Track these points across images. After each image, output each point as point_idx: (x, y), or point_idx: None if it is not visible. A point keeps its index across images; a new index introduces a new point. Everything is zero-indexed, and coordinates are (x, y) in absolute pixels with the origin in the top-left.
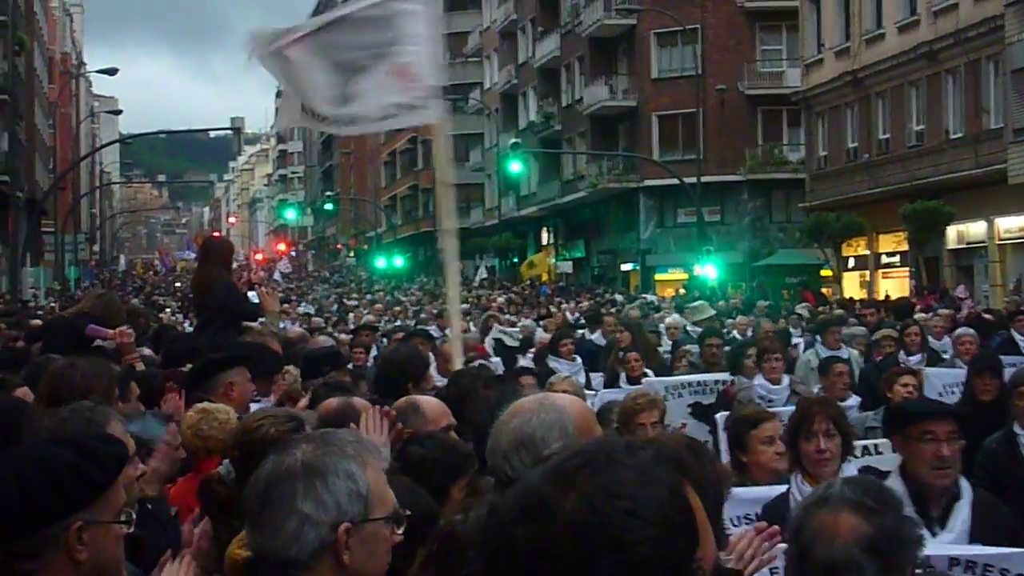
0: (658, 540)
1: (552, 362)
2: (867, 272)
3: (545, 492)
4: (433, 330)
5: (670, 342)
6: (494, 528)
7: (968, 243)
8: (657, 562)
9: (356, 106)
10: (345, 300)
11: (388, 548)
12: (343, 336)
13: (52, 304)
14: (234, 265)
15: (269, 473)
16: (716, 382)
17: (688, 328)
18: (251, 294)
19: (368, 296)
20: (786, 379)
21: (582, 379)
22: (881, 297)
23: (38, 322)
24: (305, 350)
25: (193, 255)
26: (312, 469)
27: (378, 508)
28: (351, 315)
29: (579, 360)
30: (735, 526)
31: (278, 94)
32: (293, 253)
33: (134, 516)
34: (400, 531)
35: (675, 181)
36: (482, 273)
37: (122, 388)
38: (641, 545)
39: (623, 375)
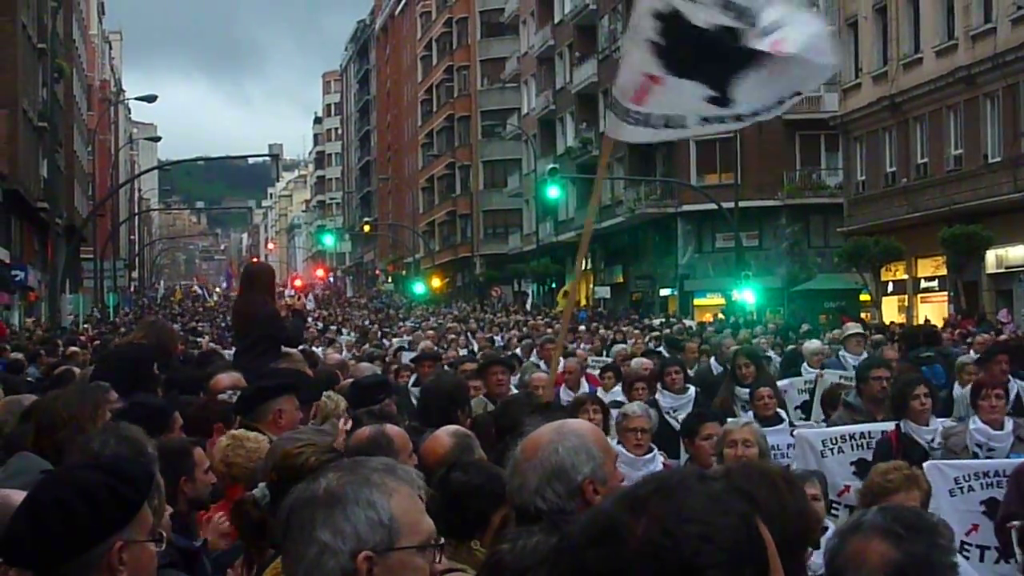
0: (728, 566)
1: (659, 394)
2: (906, 297)
3: (617, 516)
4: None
5: (812, 371)
6: (565, 552)
7: (1007, 267)
8: None
9: (723, 109)
10: (384, 328)
11: None
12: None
13: (85, 326)
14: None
15: (293, 500)
16: (884, 432)
17: (843, 355)
18: None
19: (408, 322)
20: (1009, 423)
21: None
22: (920, 321)
23: (76, 349)
24: (356, 378)
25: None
26: (333, 497)
27: (406, 537)
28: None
29: (692, 391)
30: None
31: (316, 120)
32: (331, 279)
33: (164, 535)
34: (440, 560)
35: (713, 206)
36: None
37: (166, 417)
38: (712, 570)
39: (750, 414)
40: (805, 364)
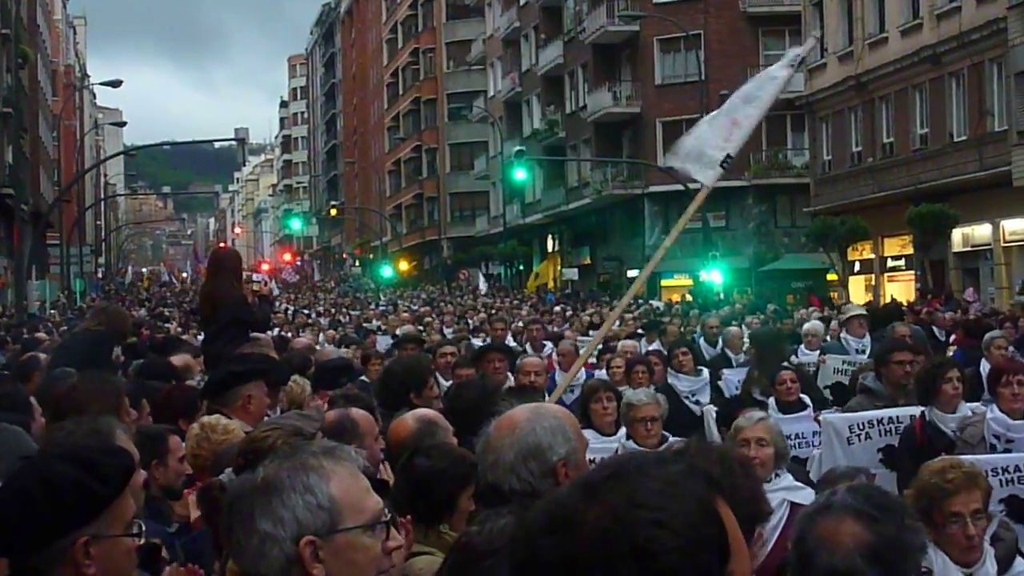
0: (684, 551)
1: (672, 378)
2: (873, 276)
3: (571, 503)
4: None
5: (809, 353)
6: (520, 540)
7: (973, 246)
8: (682, 572)
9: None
10: (349, 311)
11: (374, 556)
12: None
13: (52, 311)
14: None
15: (234, 492)
16: (913, 417)
17: (845, 338)
18: None
19: (378, 306)
20: None
21: (707, 397)
22: (887, 300)
23: (43, 335)
24: (319, 361)
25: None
26: (270, 485)
27: (350, 518)
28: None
29: (705, 374)
30: None
31: (282, 104)
32: (298, 263)
33: (144, 528)
34: (390, 536)
35: (680, 187)
36: (481, 284)
37: (135, 404)
38: (666, 555)
39: (772, 400)
40: (802, 346)
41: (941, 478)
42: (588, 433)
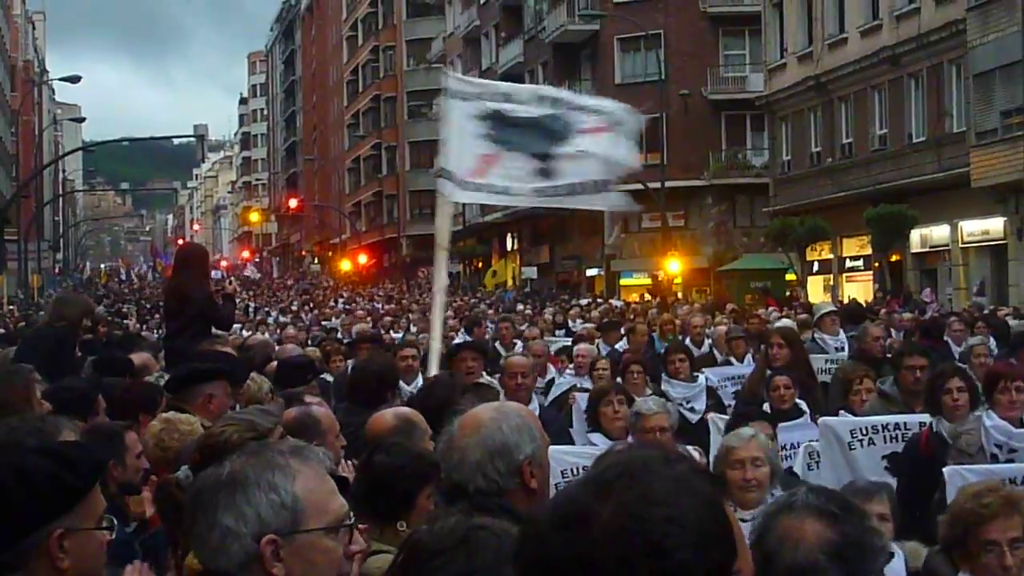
0: (696, 547)
1: (665, 384)
2: (831, 276)
3: (583, 500)
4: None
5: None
6: (531, 537)
7: (932, 246)
8: (695, 569)
9: (549, 180)
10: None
11: (334, 559)
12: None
13: (10, 308)
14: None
15: (198, 485)
16: (922, 424)
17: (821, 337)
18: None
19: (339, 304)
20: None
21: (703, 403)
22: (845, 301)
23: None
24: (280, 358)
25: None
26: (235, 481)
27: (313, 518)
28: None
29: (702, 379)
30: None
31: (242, 101)
32: (257, 259)
33: (115, 522)
34: (353, 540)
35: (639, 186)
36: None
37: (90, 401)
38: (680, 551)
39: (767, 405)
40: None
41: (976, 502)
42: (596, 437)
